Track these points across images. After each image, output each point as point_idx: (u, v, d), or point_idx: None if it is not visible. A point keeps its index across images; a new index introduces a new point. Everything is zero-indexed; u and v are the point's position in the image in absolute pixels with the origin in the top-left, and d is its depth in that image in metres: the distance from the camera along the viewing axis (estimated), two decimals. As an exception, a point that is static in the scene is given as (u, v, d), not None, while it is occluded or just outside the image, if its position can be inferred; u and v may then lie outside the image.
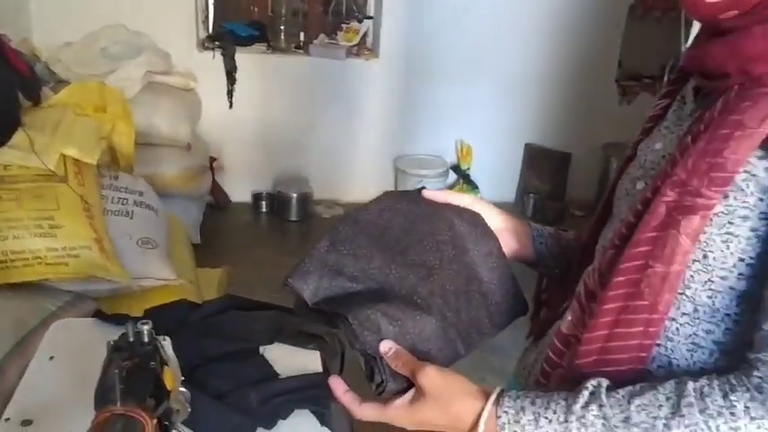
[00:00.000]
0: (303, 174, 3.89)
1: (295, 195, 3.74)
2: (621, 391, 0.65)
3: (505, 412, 0.68)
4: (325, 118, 3.83)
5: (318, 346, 1.25)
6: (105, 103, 2.29)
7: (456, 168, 4.01)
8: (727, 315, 0.66)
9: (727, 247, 0.64)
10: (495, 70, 3.87)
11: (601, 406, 0.65)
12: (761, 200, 0.62)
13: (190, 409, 0.86)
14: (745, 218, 0.63)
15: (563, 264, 0.93)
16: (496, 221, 0.91)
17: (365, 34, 3.88)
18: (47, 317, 1.70)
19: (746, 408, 0.58)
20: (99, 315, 1.25)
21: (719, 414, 0.59)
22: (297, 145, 3.86)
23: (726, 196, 0.63)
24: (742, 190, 0.63)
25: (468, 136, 3.97)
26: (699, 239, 0.65)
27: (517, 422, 0.67)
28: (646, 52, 4.03)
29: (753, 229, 0.63)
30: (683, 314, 0.68)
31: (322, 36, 3.84)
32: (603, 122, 4.00)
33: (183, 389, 0.86)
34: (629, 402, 0.64)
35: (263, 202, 3.84)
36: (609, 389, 0.66)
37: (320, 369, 1.18)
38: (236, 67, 3.62)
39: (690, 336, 0.68)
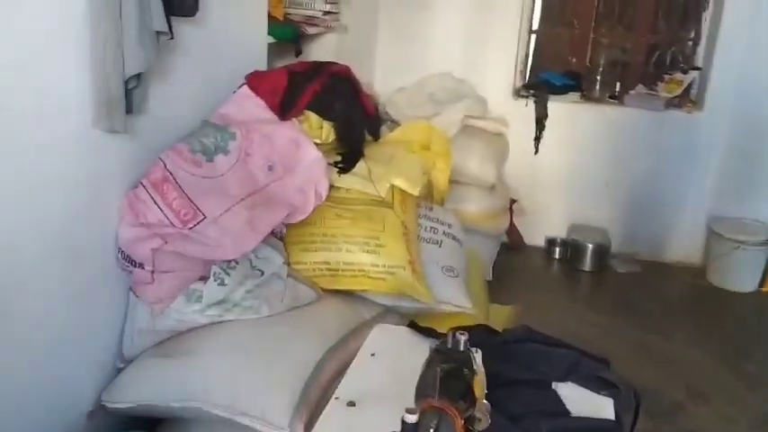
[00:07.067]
0: (601, 224, 3.81)
1: (591, 245, 3.68)
2: None
3: None
4: (633, 170, 3.72)
5: (612, 395, 1.25)
6: (430, 141, 2.57)
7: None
8: None
9: None
10: None
11: None
12: None
13: (489, 421, 0.94)
14: None
15: None
16: None
17: (689, 85, 3.68)
18: (362, 323, 1.96)
19: None
20: (412, 325, 1.41)
21: None
22: (599, 194, 3.79)
23: None
24: None
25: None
26: None
27: None
28: None
29: None
30: None
31: (640, 86, 3.74)
32: None
33: (485, 401, 0.95)
34: None
35: (557, 249, 3.85)
36: None
37: (612, 417, 1.17)
38: (546, 115, 3.72)
39: None
